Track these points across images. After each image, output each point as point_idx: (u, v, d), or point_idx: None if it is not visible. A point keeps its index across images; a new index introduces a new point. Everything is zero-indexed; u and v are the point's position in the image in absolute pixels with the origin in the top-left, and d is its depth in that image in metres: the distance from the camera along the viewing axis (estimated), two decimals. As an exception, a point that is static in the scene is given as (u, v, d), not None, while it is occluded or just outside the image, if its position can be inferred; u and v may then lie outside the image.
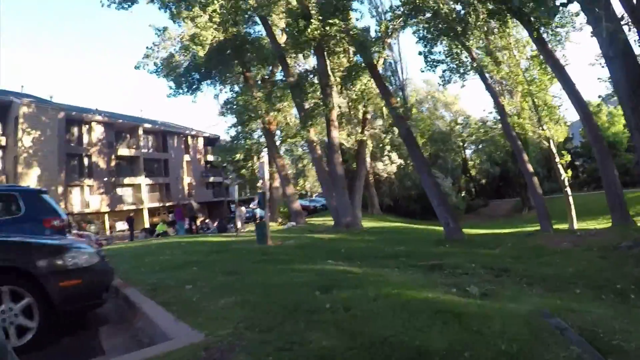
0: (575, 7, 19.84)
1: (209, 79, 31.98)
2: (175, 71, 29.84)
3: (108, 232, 48.99)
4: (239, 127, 32.96)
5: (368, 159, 49.08)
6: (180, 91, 30.69)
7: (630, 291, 8.39)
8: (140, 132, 59.50)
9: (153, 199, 59.06)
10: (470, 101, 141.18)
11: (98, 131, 53.73)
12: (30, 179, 43.24)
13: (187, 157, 66.16)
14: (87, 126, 52.89)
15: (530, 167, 24.12)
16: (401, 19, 22.40)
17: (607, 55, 14.36)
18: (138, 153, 58.08)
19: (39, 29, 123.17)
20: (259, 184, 40.93)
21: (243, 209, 36.06)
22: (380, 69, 27.12)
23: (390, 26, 23.10)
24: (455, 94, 67.01)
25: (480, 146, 66.18)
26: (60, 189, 46.55)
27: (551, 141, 30.41)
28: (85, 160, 52.51)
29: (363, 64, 24.55)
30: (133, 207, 54.90)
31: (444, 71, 24.55)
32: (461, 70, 24.30)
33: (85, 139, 52.54)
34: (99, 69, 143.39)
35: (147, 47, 29.57)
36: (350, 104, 31.66)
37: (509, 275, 10.20)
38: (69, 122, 50.41)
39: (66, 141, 49.68)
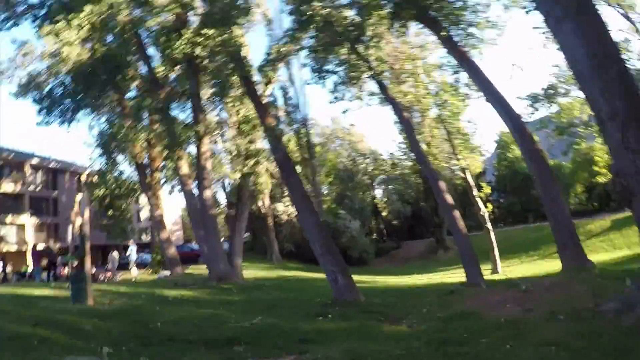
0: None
1: (85, 107, 25.24)
2: (39, 92, 23.77)
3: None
4: (103, 159, 26.43)
5: (267, 201, 43.50)
6: (52, 119, 23.99)
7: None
8: (27, 167, 52.05)
9: (39, 240, 49.70)
10: (379, 141, 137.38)
11: None
12: None
13: (79, 196, 57.51)
14: None
15: (449, 198, 18.10)
16: (294, 35, 18.51)
17: (553, 17, 8.67)
18: (24, 190, 50.93)
19: None
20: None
21: (115, 253, 30.46)
22: (279, 98, 25.33)
23: (283, 49, 19.29)
24: (362, 132, 62.36)
25: (390, 186, 61.48)
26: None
27: (467, 172, 25.58)
28: None
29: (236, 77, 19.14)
30: (15, 247, 47.05)
31: (335, 84, 19.11)
32: (354, 81, 18.92)
33: None
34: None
35: None
36: (236, 134, 25.63)
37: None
38: None
39: None
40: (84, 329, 8.96)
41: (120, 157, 28.16)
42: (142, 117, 24.09)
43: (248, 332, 9.05)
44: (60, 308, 11.62)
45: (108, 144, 24.90)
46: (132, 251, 29.65)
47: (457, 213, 17.41)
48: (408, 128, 19.36)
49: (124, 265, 31.43)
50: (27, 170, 51.65)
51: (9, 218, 48.21)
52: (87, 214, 12.49)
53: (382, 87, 18.88)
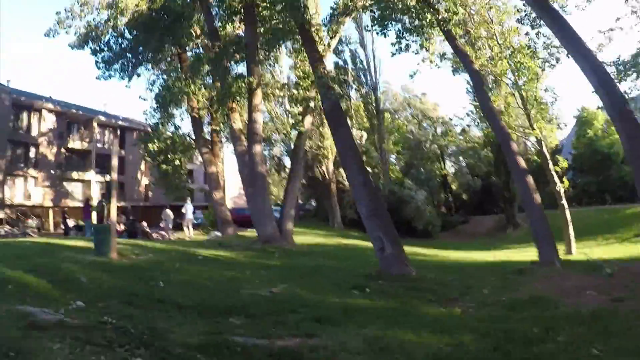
0: None
1: (145, 61, 25.01)
2: (98, 44, 23.08)
3: (52, 228, 42.56)
4: (158, 113, 25.45)
5: (331, 166, 41.94)
6: (112, 73, 23.66)
7: None
8: (95, 125, 51.95)
9: (105, 197, 50.39)
10: (453, 112, 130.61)
11: (49, 120, 46.85)
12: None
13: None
14: (38, 114, 45.79)
15: (522, 162, 15.32)
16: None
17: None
18: (91, 147, 50.64)
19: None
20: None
21: (169, 211, 29.11)
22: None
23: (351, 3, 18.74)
24: (435, 102, 58.73)
25: (460, 158, 58.35)
26: (-1, 177, 40.73)
27: (543, 144, 22.76)
28: (32, 150, 45.51)
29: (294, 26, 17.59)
30: (80, 204, 45.13)
31: (398, 32, 16.78)
32: (421, 30, 16.55)
33: (35, 128, 45.57)
34: (63, 56, 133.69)
35: (56, 13, 22.19)
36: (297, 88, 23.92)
37: None
38: (18, 107, 44.14)
39: (14, 128, 43.78)
40: (78, 280, 7.99)
41: (177, 112, 27.47)
42: (199, 69, 22.68)
43: (261, 301, 7.56)
44: (75, 258, 10.62)
45: (164, 98, 23.34)
46: (188, 210, 28.39)
47: (530, 179, 14.59)
48: (477, 82, 16.80)
49: (180, 225, 30.20)
50: (95, 127, 51.87)
51: (75, 174, 48.62)
52: (114, 160, 11.72)
53: (450, 38, 16.45)
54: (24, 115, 44.89)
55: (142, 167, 55.62)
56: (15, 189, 43.28)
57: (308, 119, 23.01)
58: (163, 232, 28.60)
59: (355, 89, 47.14)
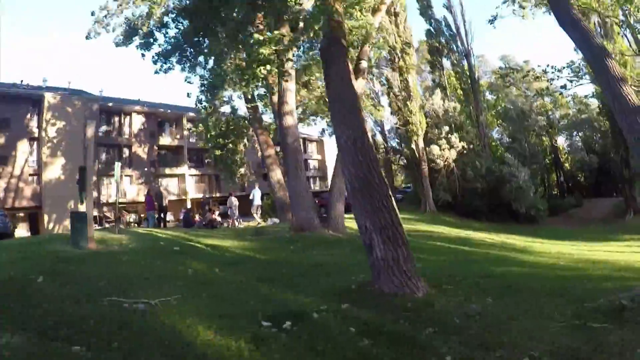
0: None
1: (206, 51, 22.15)
2: (145, 39, 20.24)
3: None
4: (206, 95, 22.60)
5: (421, 143, 36.92)
6: (169, 66, 20.81)
7: None
8: (185, 121, 52.40)
9: (199, 190, 52.82)
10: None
11: (139, 121, 49.11)
12: (55, 168, 39.95)
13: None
14: (128, 117, 48.28)
15: (632, 94, 9.20)
16: None
17: None
18: (182, 143, 51.89)
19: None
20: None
21: (234, 199, 26.78)
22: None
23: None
24: (539, 70, 51.70)
25: (574, 133, 50.74)
26: (93, 178, 41.26)
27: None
28: (125, 151, 47.64)
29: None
30: (175, 198, 48.63)
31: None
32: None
33: (126, 130, 48.13)
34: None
35: (92, 13, 20.23)
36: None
37: None
38: (107, 113, 46.53)
39: (105, 132, 45.90)
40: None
41: (230, 94, 25.64)
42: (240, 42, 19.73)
43: (96, 320, 4.74)
44: (42, 250, 10.28)
45: (213, 81, 20.64)
46: (255, 196, 26.25)
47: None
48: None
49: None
50: (185, 124, 52.69)
51: (168, 170, 50.56)
52: (87, 143, 10.23)
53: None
54: (115, 119, 47.42)
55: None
56: (111, 189, 45.07)
57: (361, 82, 18.66)
58: (231, 220, 26.73)
59: (445, 57, 41.86)
